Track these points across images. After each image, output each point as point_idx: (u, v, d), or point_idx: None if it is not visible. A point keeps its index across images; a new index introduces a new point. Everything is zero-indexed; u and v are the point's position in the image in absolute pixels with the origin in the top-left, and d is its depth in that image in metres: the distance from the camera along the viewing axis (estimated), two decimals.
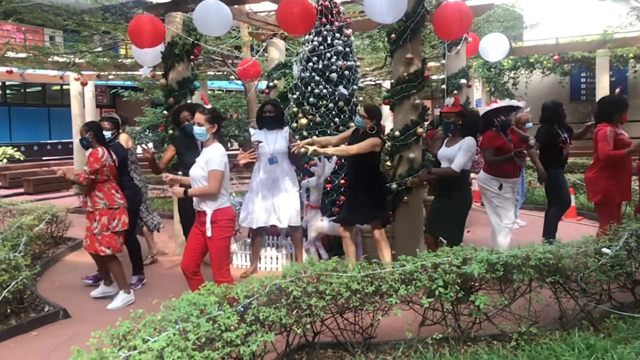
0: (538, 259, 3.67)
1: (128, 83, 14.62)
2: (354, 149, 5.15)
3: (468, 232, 6.54)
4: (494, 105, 5.32)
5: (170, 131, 6.75)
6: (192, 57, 6.87)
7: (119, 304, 5.09)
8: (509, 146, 5.45)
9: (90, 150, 5.02)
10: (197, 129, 4.13)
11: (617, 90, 5.76)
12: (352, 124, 6.36)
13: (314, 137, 5.91)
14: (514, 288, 3.76)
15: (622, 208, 5.75)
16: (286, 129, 6.03)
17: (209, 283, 3.07)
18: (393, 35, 5.73)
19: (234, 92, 17.04)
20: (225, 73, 12.98)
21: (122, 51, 14.37)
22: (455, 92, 7.87)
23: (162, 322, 2.54)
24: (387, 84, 15.91)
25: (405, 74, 5.69)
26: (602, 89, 12.71)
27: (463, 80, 7.84)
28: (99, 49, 11.26)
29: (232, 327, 2.67)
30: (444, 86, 7.59)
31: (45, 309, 4.71)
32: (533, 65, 14.88)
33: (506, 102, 5.46)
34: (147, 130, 18.14)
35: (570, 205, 6.30)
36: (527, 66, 14.99)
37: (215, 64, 11.73)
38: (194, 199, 4.18)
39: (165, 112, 6.88)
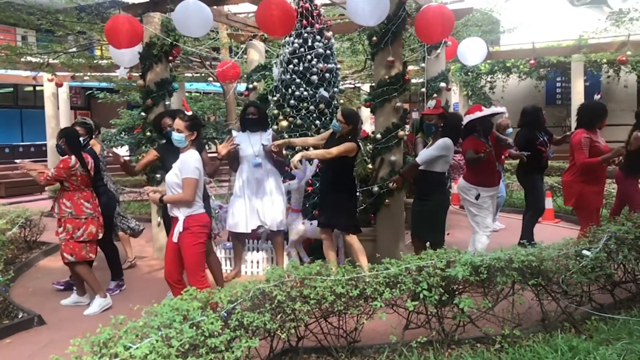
0: (521, 261, 3.68)
1: (104, 84, 14.36)
2: (333, 152, 5.09)
3: (448, 234, 6.56)
4: (478, 114, 5.28)
5: (148, 133, 6.65)
6: (170, 58, 6.78)
7: (96, 309, 4.98)
8: (490, 151, 5.38)
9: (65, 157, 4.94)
10: (175, 135, 4.07)
11: (597, 96, 5.83)
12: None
13: (291, 139, 5.83)
14: (497, 291, 3.76)
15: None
16: (269, 131, 5.96)
17: (191, 288, 3.00)
18: (374, 38, 5.72)
19: (212, 94, 16.87)
20: (203, 75, 12.84)
21: (97, 52, 14.12)
22: (435, 95, 7.89)
23: (144, 329, 2.47)
24: (366, 87, 15.98)
25: (387, 76, 5.70)
26: (577, 93, 12.93)
27: (442, 84, 7.86)
28: (74, 49, 11.03)
29: (215, 333, 2.61)
30: (423, 89, 7.60)
31: (20, 316, 4.56)
32: (510, 70, 15.07)
33: (490, 110, 5.43)
34: (123, 133, 17.91)
35: (544, 211, 6.35)
36: (503, 70, 15.18)
37: (194, 66, 11.59)
38: (169, 205, 4.16)
39: (143, 113, 6.77)
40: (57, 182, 4.90)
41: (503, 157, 6.55)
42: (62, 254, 4.94)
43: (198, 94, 18.99)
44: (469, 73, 15.35)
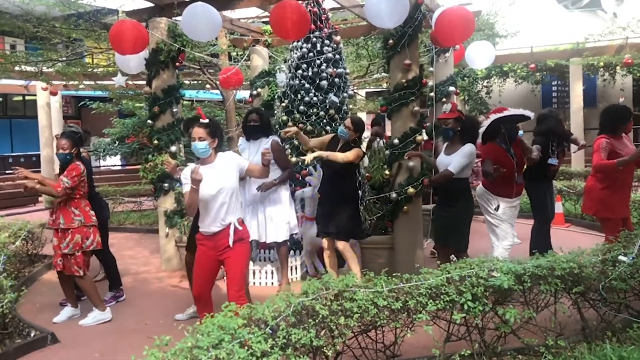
0: (562, 269, 3.56)
1: (98, 93, 14.09)
2: (350, 157, 5.02)
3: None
4: (505, 113, 4.95)
5: (156, 141, 6.46)
6: (177, 64, 6.61)
7: (89, 321, 4.87)
8: (511, 162, 4.98)
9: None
10: (198, 145, 3.77)
11: (621, 99, 5.70)
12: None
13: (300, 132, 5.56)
14: (539, 300, 3.63)
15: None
16: (271, 137, 5.59)
17: (230, 303, 2.82)
18: (390, 41, 5.60)
19: (206, 101, 16.66)
20: (200, 82, 12.65)
21: (88, 60, 13.85)
22: (444, 99, 7.82)
23: (194, 350, 2.29)
24: (363, 93, 15.89)
25: (404, 80, 5.57)
26: (576, 96, 12.90)
27: (452, 88, 7.80)
28: (70, 57, 10.80)
29: (266, 352, 2.44)
30: (432, 94, 7.48)
31: (32, 334, 4.34)
32: (507, 74, 15.03)
33: (517, 110, 5.02)
34: (117, 142, 17.63)
35: (552, 220, 6.05)
36: (500, 75, 15.14)
37: (192, 72, 11.41)
38: (209, 220, 3.80)
39: (149, 121, 6.58)
40: (72, 191, 4.72)
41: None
42: (70, 268, 4.76)
43: (189, 102, 18.78)
44: (466, 78, 15.29)
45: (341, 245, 5.19)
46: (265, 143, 5.50)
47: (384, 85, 12.77)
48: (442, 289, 3.30)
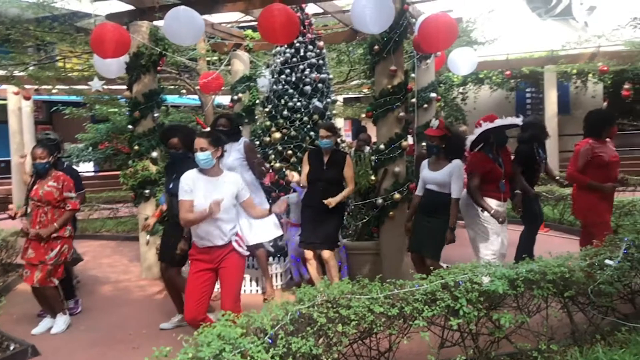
0: (554, 273, 3.58)
1: (71, 98, 13.79)
2: (352, 187, 5.35)
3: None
4: (497, 122, 4.84)
5: (137, 147, 6.34)
6: (158, 68, 6.50)
7: (63, 327, 4.83)
8: (498, 171, 4.93)
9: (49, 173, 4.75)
10: (201, 155, 3.64)
11: (605, 103, 5.80)
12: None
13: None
14: (531, 304, 3.65)
15: None
16: (241, 140, 5.53)
17: (227, 312, 2.76)
18: (376, 47, 5.59)
19: (181, 106, 16.48)
20: (177, 87, 12.49)
21: (61, 64, 13.56)
22: (426, 105, 7.86)
23: None
24: (341, 99, 15.90)
25: (389, 86, 5.57)
26: (551, 103, 13.15)
27: (433, 94, 7.83)
28: (43, 60, 10.54)
29: None
30: (414, 100, 7.49)
31: (12, 347, 4.17)
32: (482, 81, 15.21)
33: (506, 120, 4.90)
34: (90, 148, 17.31)
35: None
36: (476, 82, 15.32)
37: (169, 77, 11.25)
38: (210, 233, 3.69)
39: (130, 126, 6.45)
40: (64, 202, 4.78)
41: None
42: (45, 280, 4.66)
43: (165, 107, 18.56)
44: (442, 84, 15.43)
45: (327, 254, 5.19)
46: (239, 145, 5.46)
47: (365, 91, 12.80)
48: (437, 294, 3.28)
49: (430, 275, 3.54)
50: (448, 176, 4.81)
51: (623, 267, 4.02)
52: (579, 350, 3.58)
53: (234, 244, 3.74)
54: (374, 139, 6.70)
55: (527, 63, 13.71)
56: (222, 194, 3.65)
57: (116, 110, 14.81)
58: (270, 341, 2.60)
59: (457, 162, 4.85)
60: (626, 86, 10.64)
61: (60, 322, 4.84)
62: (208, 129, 3.85)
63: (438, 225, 4.86)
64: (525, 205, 5.54)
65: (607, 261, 4.06)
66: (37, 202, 4.66)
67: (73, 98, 13.79)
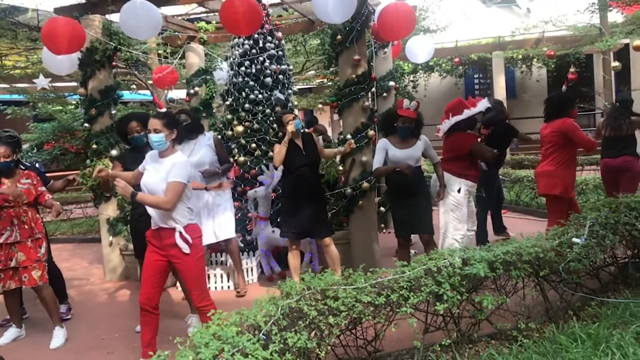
0: (529, 253, 3.68)
1: (14, 97, 13.16)
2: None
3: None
4: (479, 107, 5.13)
5: (94, 146, 6.11)
6: (113, 63, 6.28)
7: (62, 341, 4.51)
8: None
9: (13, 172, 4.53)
10: (154, 137, 3.55)
11: (564, 86, 6.01)
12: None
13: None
14: (508, 285, 3.74)
15: None
16: (209, 134, 5.43)
17: (218, 311, 2.70)
18: (339, 37, 5.58)
19: (131, 102, 15.99)
20: (127, 82, 12.11)
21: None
22: (385, 94, 7.91)
23: None
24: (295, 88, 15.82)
25: (354, 75, 5.58)
26: (500, 88, 13.51)
27: (391, 83, 7.89)
28: None
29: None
30: (373, 89, 7.54)
31: None
32: (432, 69, 15.47)
33: (475, 109, 5.11)
34: (35, 149, 16.54)
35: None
36: (426, 69, 15.55)
37: (119, 72, 10.89)
38: (155, 215, 3.60)
39: (86, 124, 6.21)
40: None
41: None
42: (35, 278, 4.43)
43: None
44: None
45: (329, 240, 5.14)
46: (208, 140, 5.35)
47: (317, 81, 12.79)
48: (421, 280, 3.32)
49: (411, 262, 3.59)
50: (422, 149, 5.02)
51: (589, 244, 4.18)
52: (555, 327, 3.70)
53: (177, 237, 3.57)
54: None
55: (476, 49, 14.02)
56: (165, 177, 3.54)
57: (61, 108, 14.23)
58: (265, 337, 2.56)
59: (424, 138, 5.08)
60: (572, 69, 11.06)
61: (60, 336, 4.54)
62: (165, 109, 3.72)
63: (423, 202, 4.98)
64: (492, 178, 5.85)
65: (575, 239, 4.20)
66: (10, 202, 4.40)
67: (15, 97, 13.16)
